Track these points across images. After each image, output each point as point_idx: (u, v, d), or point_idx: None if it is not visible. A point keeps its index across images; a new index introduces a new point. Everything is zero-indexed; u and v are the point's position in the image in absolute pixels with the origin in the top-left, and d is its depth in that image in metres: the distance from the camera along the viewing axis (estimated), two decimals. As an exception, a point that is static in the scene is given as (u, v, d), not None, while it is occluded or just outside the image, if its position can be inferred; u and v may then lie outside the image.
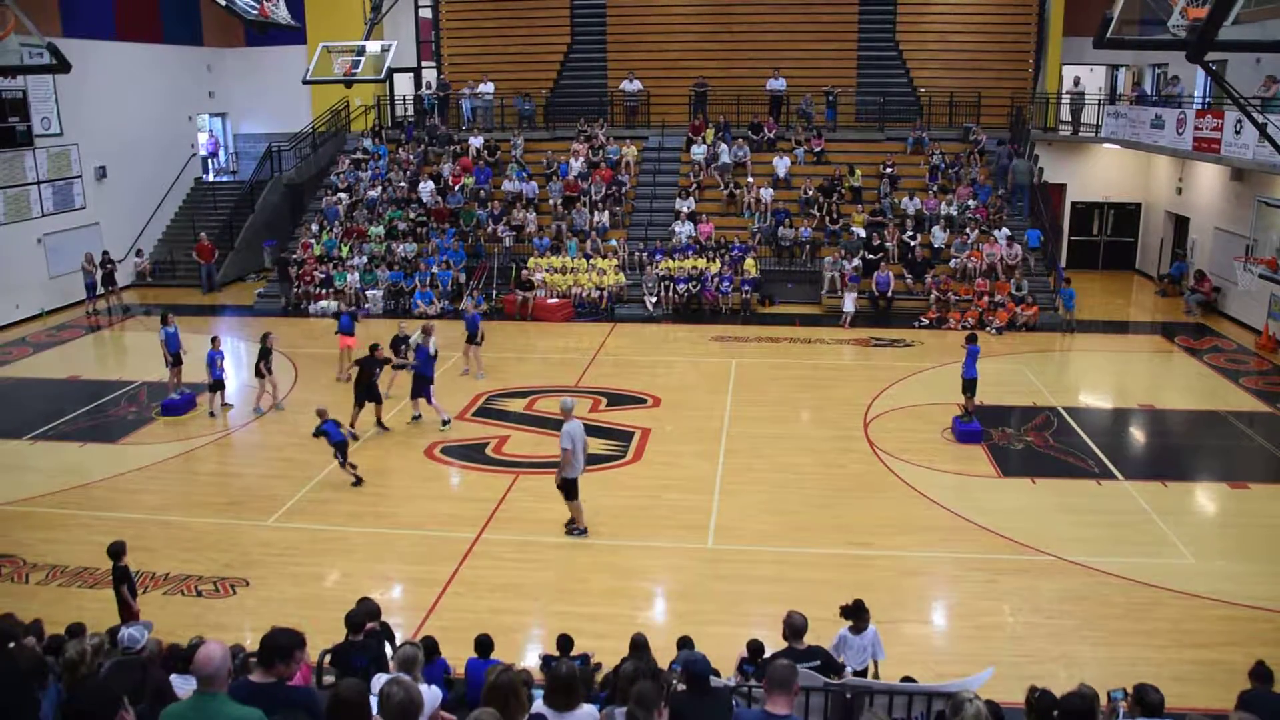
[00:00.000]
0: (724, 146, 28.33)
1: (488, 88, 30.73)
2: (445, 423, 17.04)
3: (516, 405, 18.19)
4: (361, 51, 21.60)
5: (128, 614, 9.76)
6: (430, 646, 8.20)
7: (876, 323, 23.59)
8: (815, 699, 6.99)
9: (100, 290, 25.92)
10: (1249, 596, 11.25)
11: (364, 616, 8.22)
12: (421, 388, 17.20)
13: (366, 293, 25.50)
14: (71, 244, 26.17)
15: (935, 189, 26.99)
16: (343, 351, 19.44)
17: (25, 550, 12.72)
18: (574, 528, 13.08)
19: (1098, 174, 28.93)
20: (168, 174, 30.58)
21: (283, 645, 5.37)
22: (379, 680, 5.80)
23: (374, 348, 16.82)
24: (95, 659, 6.51)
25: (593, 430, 16.79)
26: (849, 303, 23.58)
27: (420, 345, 17.31)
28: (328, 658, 7.97)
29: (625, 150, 28.83)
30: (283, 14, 20.15)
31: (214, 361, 17.55)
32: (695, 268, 25.02)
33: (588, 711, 5.59)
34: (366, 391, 16.75)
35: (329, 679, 7.83)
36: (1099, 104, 28.19)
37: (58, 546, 12.82)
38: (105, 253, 26.39)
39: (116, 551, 9.92)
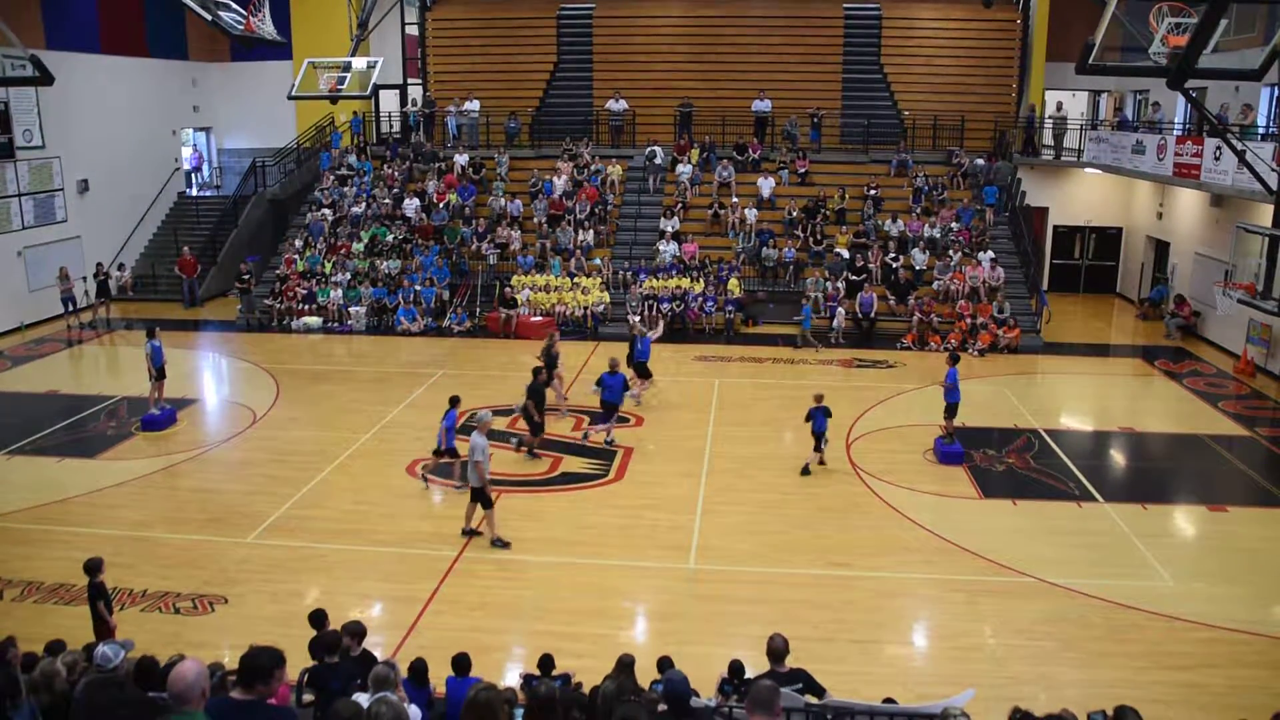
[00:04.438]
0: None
1: (473, 105, 30.79)
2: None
3: (499, 424, 18.10)
4: (347, 68, 21.62)
5: (104, 631, 9.67)
6: (419, 670, 8.16)
7: (859, 344, 23.67)
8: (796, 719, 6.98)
9: (90, 301, 25.89)
10: (1228, 619, 11.31)
11: (338, 637, 8.18)
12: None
13: (349, 309, 25.43)
14: (52, 257, 26.03)
15: (919, 211, 27.15)
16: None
17: (0, 566, 12.56)
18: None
19: (1079, 198, 29.15)
20: (151, 188, 30.47)
21: (262, 666, 5.32)
22: (362, 699, 5.76)
23: (537, 372, 16.81)
24: (70, 676, 6.45)
25: (576, 449, 16.81)
26: (838, 319, 23.69)
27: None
28: (305, 678, 7.92)
29: (610, 169, 28.89)
30: (268, 29, 20.16)
31: (451, 427, 15.41)
32: (679, 287, 25.07)
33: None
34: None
35: (308, 698, 7.78)
36: (1081, 129, 28.45)
37: (34, 562, 12.69)
38: (99, 264, 26.32)
39: (92, 568, 9.84)
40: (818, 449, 15.89)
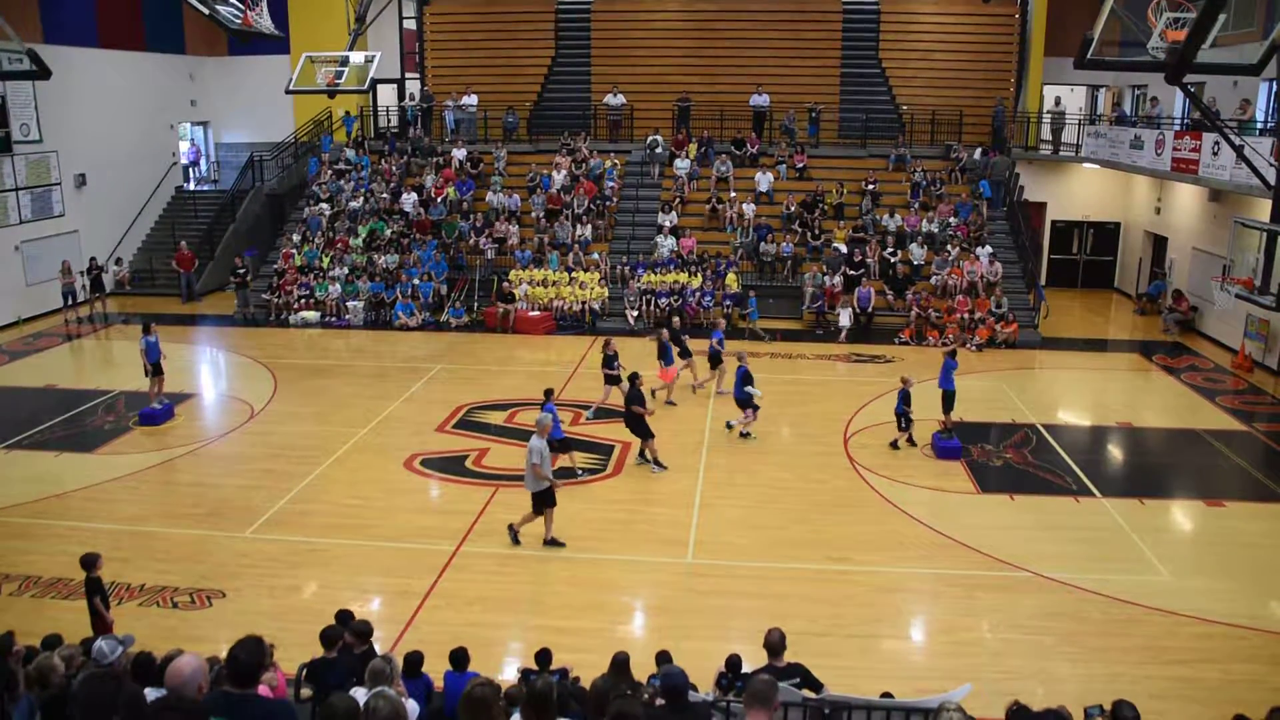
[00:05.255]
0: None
1: (471, 100, 30.75)
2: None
3: (497, 418, 18.14)
4: (345, 62, 21.56)
5: (101, 626, 9.66)
6: (415, 662, 8.15)
7: (857, 338, 23.66)
8: (794, 714, 6.98)
9: (86, 296, 25.92)
10: (1225, 614, 11.32)
11: (339, 631, 8.17)
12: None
13: (347, 304, 25.40)
14: (50, 251, 26.02)
15: (917, 206, 27.14)
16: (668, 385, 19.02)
17: (-2, 560, 12.59)
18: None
19: (1077, 193, 29.15)
20: (148, 182, 30.42)
21: (249, 666, 5.24)
22: (359, 694, 5.76)
23: (633, 377, 16.36)
24: (68, 671, 6.44)
25: (573, 444, 16.77)
26: (845, 317, 23.73)
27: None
28: (304, 672, 7.92)
29: (608, 164, 28.85)
30: (266, 23, 20.07)
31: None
32: (677, 282, 25.05)
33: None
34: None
35: (306, 692, 7.78)
36: (1079, 124, 28.44)
37: (32, 557, 12.68)
38: (92, 259, 26.36)
39: (89, 563, 9.81)
40: (900, 429, 16.57)
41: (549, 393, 15.56)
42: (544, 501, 12.87)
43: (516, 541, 13.07)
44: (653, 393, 18.63)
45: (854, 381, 20.63)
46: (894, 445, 16.62)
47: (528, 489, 12.85)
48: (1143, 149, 24.00)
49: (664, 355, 18.77)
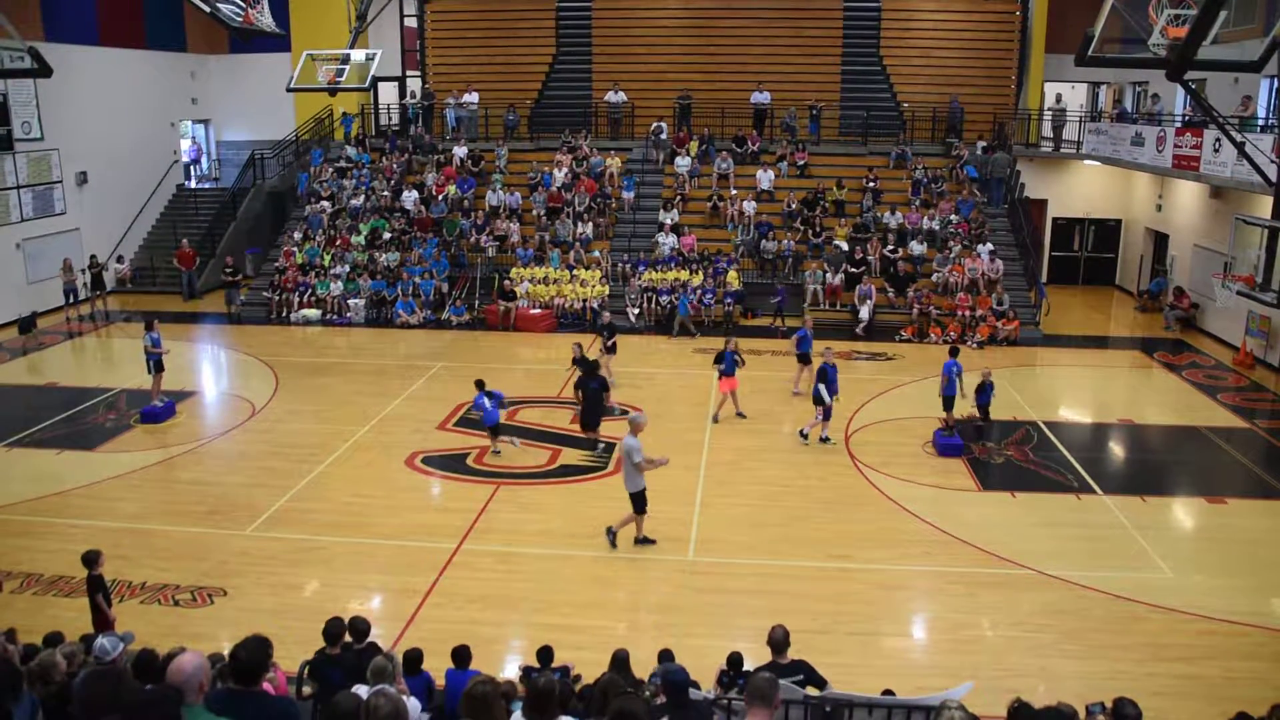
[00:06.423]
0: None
1: (472, 98, 30.75)
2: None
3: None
4: (346, 60, 21.54)
5: (102, 623, 9.66)
6: (414, 659, 8.15)
7: (857, 336, 23.64)
8: (795, 712, 6.98)
9: (87, 294, 25.92)
10: (1226, 611, 11.31)
11: (341, 628, 8.17)
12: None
13: (348, 302, 25.40)
14: (51, 249, 26.03)
15: (918, 203, 27.12)
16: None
17: (0, 558, 12.56)
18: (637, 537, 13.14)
19: (1078, 190, 29.15)
20: (150, 180, 30.43)
21: (253, 665, 5.23)
22: (360, 691, 5.76)
23: (589, 363, 16.30)
24: (70, 668, 6.44)
25: (574, 441, 16.79)
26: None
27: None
28: (305, 670, 7.92)
29: (609, 162, 28.85)
30: (267, 21, 20.04)
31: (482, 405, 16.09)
32: (678, 279, 25.05)
33: (566, 724, 5.55)
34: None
35: (308, 689, 7.79)
36: (1080, 121, 28.42)
37: (34, 554, 12.69)
38: (93, 256, 26.36)
39: (90, 560, 9.82)
40: (983, 419, 17.24)
41: (480, 383, 16.16)
42: (644, 502, 12.79)
43: (614, 545, 12.95)
44: (713, 418, 18.08)
45: (855, 379, 20.57)
46: (973, 424, 17.19)
47: (626, 489, 12.76)
48: (1144, 146, 23.99)
49: (723, 362, 17.81)
